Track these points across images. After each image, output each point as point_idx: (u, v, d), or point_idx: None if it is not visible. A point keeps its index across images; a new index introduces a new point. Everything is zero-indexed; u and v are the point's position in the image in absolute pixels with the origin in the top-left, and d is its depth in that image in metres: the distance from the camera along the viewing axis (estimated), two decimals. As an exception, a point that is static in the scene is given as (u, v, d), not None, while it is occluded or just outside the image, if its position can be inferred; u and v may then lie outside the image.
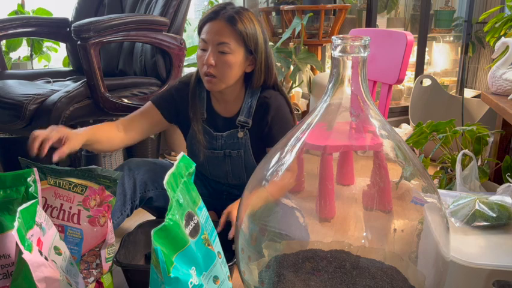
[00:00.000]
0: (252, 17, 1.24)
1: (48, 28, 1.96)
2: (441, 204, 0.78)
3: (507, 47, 1.60)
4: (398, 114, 3.17)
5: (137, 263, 1.21)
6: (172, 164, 0.75)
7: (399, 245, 0.80)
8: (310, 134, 0.78)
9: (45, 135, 1.04)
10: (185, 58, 1.90)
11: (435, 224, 0.77)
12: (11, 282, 0.68)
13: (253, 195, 0.83)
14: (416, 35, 3.07)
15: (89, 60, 1.44)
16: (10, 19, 1.86)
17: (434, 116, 2.31)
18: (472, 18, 3.30)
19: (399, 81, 1.46)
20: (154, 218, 1.47)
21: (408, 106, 2.91)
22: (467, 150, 1.52)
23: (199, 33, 1.26)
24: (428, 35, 3.20)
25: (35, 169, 0.84)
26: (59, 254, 0.80)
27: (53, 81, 1.70)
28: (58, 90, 1.46)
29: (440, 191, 1.19)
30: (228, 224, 1.19)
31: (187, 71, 2.79)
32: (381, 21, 3.29)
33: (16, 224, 0.67)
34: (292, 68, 2.68)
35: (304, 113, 2.82)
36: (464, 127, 1.66)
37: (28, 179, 0.81)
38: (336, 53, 0.74)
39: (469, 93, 3.15)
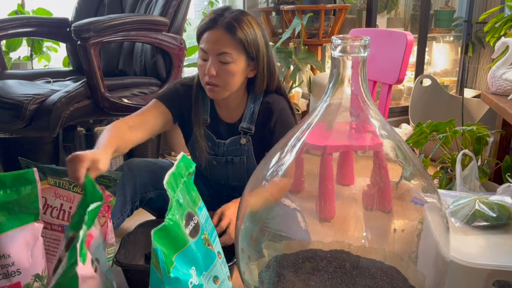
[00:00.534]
0: (251, 21, 1.21)
1: (48, 28, 1.96)
2: (441, 204, 0.78)
3: (507, 47, 1.60)
4: (398, 114, 3.17)
5: (137, 263, 1.21)
6: (173, 164, 0.75)
7: (399, 245, 0.80)
8: (310, 134, 0.78)
9: (82, 159, 0.93)
10: (186, 58, 1.90)
11: (435, 224, 0.77)
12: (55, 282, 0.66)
13: (253, 195, 0.83)
14: (416, 35, 3.07)
15: (89, 60, 1.44)
16: (10, 19, 1.86)
17: (434, 116, 2.31)
18: (472, 18, 3.30)
19: (399, 81, 1.46)
20: (154, 218, 1.47)
21: (408, 106, 2.91)
22: (467, 150, 1.52)
23: (198, 41, 1.22)
24: (428, 35, 3.20)
25: (35, 169, 0.84)
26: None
27: (53, 81, 1.70)
28: (58, 90, 1.46)
29: (440, 191, 1.19)
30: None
31: (187, 71, 2.79)
32: (381, 21, 3.29)
33: (82, 232, 0.66)
34: (292, 68, 2.68)
35: (304, 113, 2.82)
36: (464, 127, 1.66)
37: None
38: (336, 53, 0.73)
39: (469, 93, 3.15)
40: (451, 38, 3.65)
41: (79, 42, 1.44)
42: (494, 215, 0.99)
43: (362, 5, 3.25)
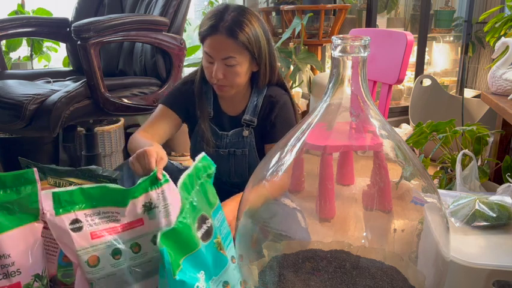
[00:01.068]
0: (252, 19, 1.21)
1: (48, 28, 1.96)
2: (441, 204, 0.78)
3: (507, 47, 1.60)
4: (398, 114, 3.17)
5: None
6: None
7: (399, 245, 0.80)
8: (310, 134, 0.78)
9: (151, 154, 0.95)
10: (186, 58, 1.90)
11: (435, 224, 0.77)
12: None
13: (253, 195, 0.83)
14: (416, 35, 3.07)
15: (89, 60, 1.44)
16: (10, 19, 1.86)
17: (434, 116, 2.31)
18: (472, 18, 3.30)
19: (399, 81, 1.46)
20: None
21: (408, 106, 2.91)
22: (467, 150, 1.52)
23: (202, 43, 1.24)
24: (428, 35, 3.20)
25: (35, 169, 0.84)
26: None
27: (53, 81, 1.70)
28: (58, 90, 1.46)
29: (440, 191, 1.19)
30: None
31: (187, 71, 2.79)
32: (381, 21, 3.29)
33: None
34: (292, 68, 2.68)
35: (304, 113, 2.82)
36: (464, 127, 1.66)
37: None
38: (336, 53, 0.73)
39: (469, 93, 3.15)
40: (451, 38, 3.65)
41: (79, 42, 1.44)
42: (494, 215, 0.99)
43: (362, 5, 3.25)
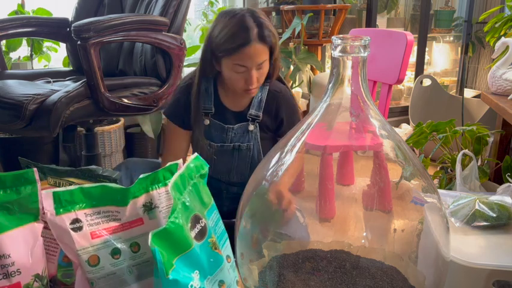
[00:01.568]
0: (265, 17, 1.26)
1: (48, 28, 1.96)
2: (441, 204, 0.78)
3: (507, 47, 1.60)
4: (398, 114, 3.18)
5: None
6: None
7: (399, 245, 0.80)
8: (310, 134, 0.78)
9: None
10: (186, 58, 1.90)
11: (435, 224, 0.77)
12: None
13: (254, 195, 0.84)
14: (416, 35, 3.08)
15: (89, 60, 1.44)
16: (10, 19, 1.86)
17: (434, 116, 2.31)
18: (472, 18, 3.30)
19: (399, 81, 1.47)
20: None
21: (408, 106, 2.91)
22: (467, 150, 1.52)
23: (227, 54, 1.22)
24: (428, 35, 3.20)
25: (35, 169, 0.84)
26: None
27: (53, 81, 1.70)
28: (58, 90, 1.46)
29: (440, 191, 1.19)
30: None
31: (187, 71, 2.79)
32: (381, 21, 3.29)
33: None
34: (292, 68, 2.68)
35: (304, 113, 2.82)
36: (464, 127, 1.66)
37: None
38: (336, 53, 0.73)
39: (469, 93, 3.15)
40: (451, 38, 3.65)
41: (79, 42, 1.44)
42: (494, 215, 0.99)
43: (362, 5, 3.25)
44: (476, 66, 3.48)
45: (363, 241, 0.80)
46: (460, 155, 1.47)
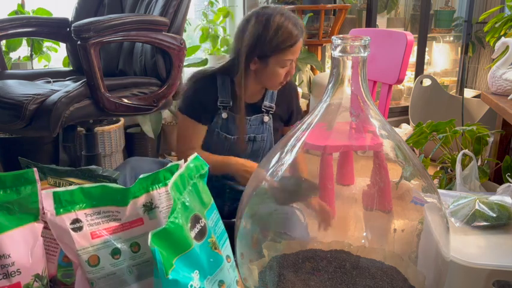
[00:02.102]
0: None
1: (48, 28, 1.96)
2: (441, 204, 0.78)
3: (507, 47, 1.60)
4: (398, 114, 3.18)
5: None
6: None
7: (399, 245, 0.80)
8: (310, 134, 0.78)
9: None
10: (186, 58, 1.90)
11: (435, 224, 0.77)
12: None
13: (254, 195, 0.84)
14: (416, 35, 3.08)
15: (89, 60, 1.44)
16: (10, 19, 1.85)
17: (434, 116, 2.31)
18: (472, 18, 3.30)
19: (399, 81, 1.47)
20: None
21: (408, 106, 2.91)
22: (467, 150, 1.52)
23: (281, 51, 1.28)
24: (428, 35, 3.21)
25: (35, 169, 0.84)
26: None
27: (53, 81, 1.70)
28: (58, 90, 1.46)
29: (440, 191, 1.19)
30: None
31: (187, 71, 2.79)
32: (381, 21, 3.29)
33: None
34: (292, 68, 2.68)
35: (305, 113, 2.82)
36: (464, 127, 1.66)
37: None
38: (336, 53, 0.73)
39: (469, 93, 3.15)
40: (451, 38, 3.65)
41: (79, 42, 1.44)
42: (494, 215, 0.99)
43: (362, 5, 3.25)
44: (476, 66, 3.48)
45: (363, 241, 0.80)
46: (460, 155, 1.47)
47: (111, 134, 2.35)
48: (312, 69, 2.78)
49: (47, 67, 2.52)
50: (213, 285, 0.69)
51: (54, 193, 0.71)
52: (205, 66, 1.42)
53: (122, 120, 2.47)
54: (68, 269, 0.84)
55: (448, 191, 1.20)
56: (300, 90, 3.08)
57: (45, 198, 0.72)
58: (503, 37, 1.82)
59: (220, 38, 3.04)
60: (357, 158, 0.81)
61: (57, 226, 0.71)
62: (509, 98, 1.54)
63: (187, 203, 0.68)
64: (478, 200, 1.02)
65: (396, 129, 2.72)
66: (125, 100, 1.58)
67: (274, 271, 0.80)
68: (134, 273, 0.72)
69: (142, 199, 0.74)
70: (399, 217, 0.80)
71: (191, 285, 0.62)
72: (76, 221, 0.72)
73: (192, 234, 0.67)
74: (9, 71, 1.88)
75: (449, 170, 1.71)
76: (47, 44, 2.51)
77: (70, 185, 1.01)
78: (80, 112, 1.48)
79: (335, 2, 3.03)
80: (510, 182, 1.15)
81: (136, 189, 0.74)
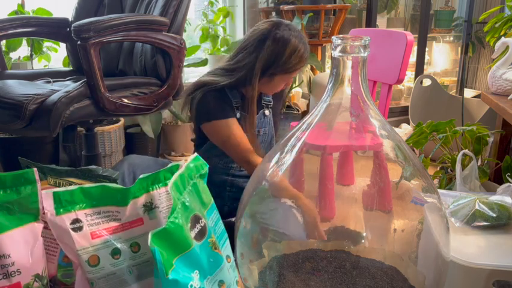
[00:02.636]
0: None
1: (48, 28, 1.96)
2: (441, 204, 0.78)
3: (507, 47, 1.60)
4: (398, 114, 3.18)
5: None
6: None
7: (399, 245, 0.80)
8: (310, 134, 0.78)
9: None
10: (186, 58, 1.90)
11: (435, 224, 0.77)
12: None
13: (254, 195, 0.84)
14: (416, 35, 3.08)
15: (89, 60, 1.44)
16: (10, 19, 1.85)
17: (434, 116, 2.31)
18: (472, 18, 3.30)
19: (399, 81, 1.47)
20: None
21: (408, 106, 2.91)
22: (467, 150, 1.52)
23: (291, 71, 1.35)
24: (428, 35, 3.20)
25: (35, 169, 0.84)
26: None
27: (53, 81, 1.70)
28: (58, 90, 1.46)
29: (440, 191, 1.19)
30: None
31: (187, 71, 2.79)
32: (381, 21, 3.29)
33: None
34: (292, 68, 2.67)
35: (304, 113, 2.82)
36: (464, 127, 1.66)
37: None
38: (336, 53, 0.73)
39: (469, 93, 3.15)
40: (451, 38, 3.65)
41: (79, 42, 1.44)
42: (494, 215, 0.99)
43: (362, 5, 3.25)
44: (476, 66, 3.48)
45: (363, 241, 0.80)
46: (460, 155, 1.47)
47: (111, 134, 2.35)
48: (312, 69, 2.78)
49: (47, 67, 2.52)
50: (213, 285, 0.69)
51: (54, 193, 0.71)
52: (208, 78, 1.41)
53: (122, 120, 2.47)
54: (68, 269, 0.84)
55: (448, 191, 1.20)
56: (300, 90, 3.08)
57: (45, 198, 0.72)
58: (503, 37, 1.82)
59: (220, 38, 3.04)
60: (357, 158, 0.81)
61: (57, 226, 0.71)
62: (509, 98, 1.54)
63: (187, 203, 0.68)
64: (478, 200, 1.02)
65: (396, 129, 2.72)
66: (125, 100, 1.58)
67: (274, 271, 0.80)
68: (134, 273, 0.72)
69: (142, 199, 0.74)
70: (399, 217, 0.80)
71: (191, 285, 0.62)
72: (76, 221, 0.72)
73: (192, 234, 0.67)
74: (9, 71, 1.88)
75: (449, 170, 1.71)
76: (47, 44, 2.51)
77: (70, 185, 1.01)
78: (80, 112, 1.48)
79: (335, 2, 3.03)
80: (510, 182, 1.15)
81: (136, 189, 0.74)
